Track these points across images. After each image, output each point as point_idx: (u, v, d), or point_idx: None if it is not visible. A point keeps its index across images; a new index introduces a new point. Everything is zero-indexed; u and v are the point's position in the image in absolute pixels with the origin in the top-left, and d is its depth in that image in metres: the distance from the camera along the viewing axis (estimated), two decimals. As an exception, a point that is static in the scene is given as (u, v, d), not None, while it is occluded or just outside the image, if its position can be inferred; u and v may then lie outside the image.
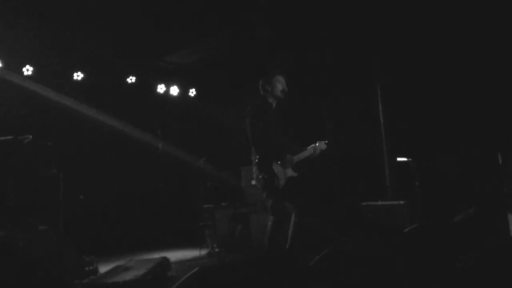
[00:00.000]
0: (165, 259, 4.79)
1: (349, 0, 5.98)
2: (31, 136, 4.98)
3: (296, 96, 4.48)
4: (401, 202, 5.56)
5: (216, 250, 6.29)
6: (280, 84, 4.30)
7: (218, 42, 7.38)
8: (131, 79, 7.92)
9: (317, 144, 4.39)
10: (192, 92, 8.86)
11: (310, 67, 7.38)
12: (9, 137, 4.87)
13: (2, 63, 6.55)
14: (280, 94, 4.30)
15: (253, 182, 4.24)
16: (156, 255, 5.53)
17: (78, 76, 7.31)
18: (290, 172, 4.12)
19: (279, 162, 4.07)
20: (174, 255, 6.07)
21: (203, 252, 6.30)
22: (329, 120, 7.36)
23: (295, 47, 7.22)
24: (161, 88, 8.40)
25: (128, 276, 3.99)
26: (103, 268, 4.77)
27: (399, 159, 6.33)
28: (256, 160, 4.10)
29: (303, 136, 4.71)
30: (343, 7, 6.13)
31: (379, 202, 5.85)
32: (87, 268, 4.56)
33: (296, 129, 4.69)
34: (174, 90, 8.56)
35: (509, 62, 5.67)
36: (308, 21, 6.54)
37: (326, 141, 4.45)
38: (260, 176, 4.06)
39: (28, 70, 6.79)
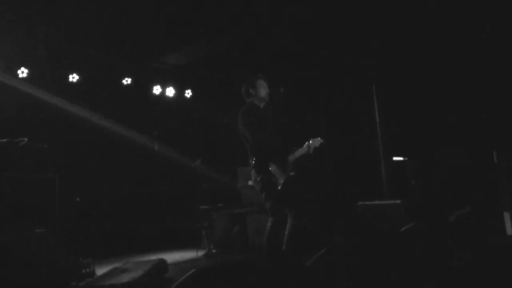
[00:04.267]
0: (162, 261, 4.78)
1: (345, 0, 6.00)
2: (26, 139, 4.96)
3: (290, 97, 4.49)
4: (397, 201, 5.58)
5: (213, 251, 6.29)
6: (263, 88, 4.36)
7: (214, 43, 7.38)
8: (127, 81, 7.90)
9: (310, 141, 4.40)
10: (188, 93, 8.85)
11: (306, 68, 7.39)
12: (5, 140, 4.86)
13: (-3, 65, 6.53)
14: (265, 97, 4.35)
15: (250, 183, 4.25)
16: (153, 257, 5.51)
17: (73, 78, 7.28)
18: (289, 172, 4.13)
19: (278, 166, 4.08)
20: (171, 257, 6.06)
21: (200, 253, 6.30)
22: (325, 120, 7.37)
23: (292, 48, 7.24)
24: (156, 89, 8.39)
25: (125, 278, 3.99)
26: (100, 270, 4.76)
27: (395, 158, 6.35)
28: (253, 162, 4.11)
29: (295, 136, 4.71)
30: (338, 8, 6.15)
31: (376, 202, 5.87)
32: (84, 271, 4.55)
33: (287, 129, 4.70)
34: (170, 91, 8.54)
35: (505, 61, 5.70)
36: (306, 23, 6.55)
37: (319, 138, 4.46)
38: (259, 178, 4.07)
39: (23, 72, 6.75)
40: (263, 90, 4.34)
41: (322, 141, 4.47)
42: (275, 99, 4.41)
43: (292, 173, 4.16)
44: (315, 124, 7.31)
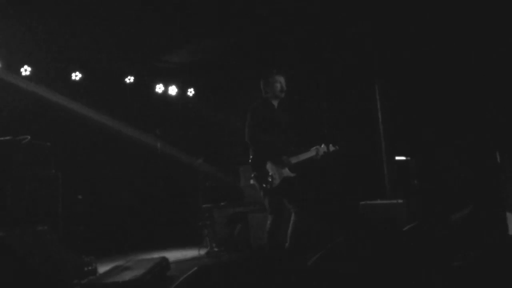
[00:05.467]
0: (164, 259, 4.80)
1: (348, 0, 5.99)
2: (29, 137, 4.97)
3: (296, 95, 4.48)
4: (400, 201, 5.57)
5: (215, 249, 6.29)
6: (278, 83, 4.30)
7: (217, 42, 7.38)
8: (130, 79, 7.91)
9: (321, 146, 4.38)
10: (191, 92, 8.85)
11: (309, 67, 7.39)
12: (8, 137, 4.87)
13: (0, 63, 6.54)
14: (279, 94, 4.31)
15: (252, 182, 4.25)
16: (155, 255, 5.54)
17: (76, 76, 7.30)
18: (286, 172, 4.10)
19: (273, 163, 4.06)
20: (173, 255, 6.07)
21: (202, 251, 6.30)
22: (328, 119, 7.36)
23: (295, 47, 7.23)
24: (159, 88, 8.39)
25: (127, 276, 3.99)
26: (102, 268, 4.77)
27: (397, 157, 6.34)
28: (250, 160, 4.12)
29: (307, 136, 4.70)
30: (341, 7, 6.14)
31: (378, 201, 5.86)
32: (86, 268, 4.56)
33: (299, 128, 4.68)
34: (173, 90, 8.55)
35: (508, 60, 5.68)
36: (307, 22, 6.54)
37: (331, 145, 4.44)
38: (253, 175, 4.08)
39: (26, 70, 6.77)
40: (277, 85, 4.30)
41: (334, 148, 4.44)
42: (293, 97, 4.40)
43: (292, 175, 4.13)
44: (318, 124, 7.31)
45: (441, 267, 2.82)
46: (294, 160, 4.20)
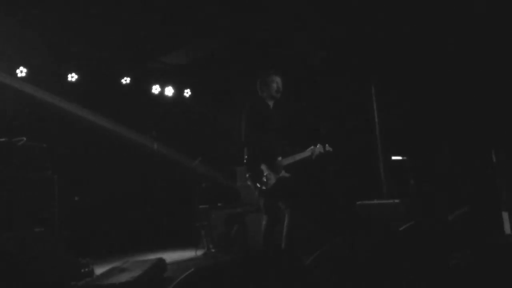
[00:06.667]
0: (161, 260, 4.79)
1: (345, 1, 6.01)
2: (25, 138, 4.96)
3: (292, 96, 4.49)
4: (396, 200, 5.59)
5: (212, 250, 6.29)
6: (275, 84, 4.31)
7: (213, 43, 7.38)
8: (126, 80, 7.90)
9: (317, 146, 4.39)
10: (187, 93, 8.85)
11: (305, 67, 7.39)
12: (3, 139, 4.85)
13: (-5, 65, 6.52)
14: (275, 94, 4.31)
15: (248, 182, 4.24)
16: (152, 256, 5.52)
17: (72, 77, 7.28)
18: (281, 172, 4.10)
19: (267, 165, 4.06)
20: (170, 256, 6.06)
21: (199, 252, 6.30)
22: (325, 120, 7.37)
23: (292, 48, 7.24)
24: (156, 89, 8.39)
25: (124, 277, 3.99)
26: (99, 270, 4.76)
27: (394, 157, 6.35)
28: (245, 160, 4.11)
29: (302, 136, 4.70)
30: (338, 8, 6.15)
31: (375, 201, 5.87)
32: (82, 270, 4.56)
33: (294, 129, 4.68)
34: (169, 91, 8.54)
35: (504, 60, 5.71)
36: (305, 22, 6.56)
37: (326, 146, 4.45)
38: (247, 175, 4.07)
39: (21, 71, 6.75)
40: (274, 86, 4.30)
41: (329, 149, 4.45)
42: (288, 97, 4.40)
43: (287, 175, 4.13)
44: (314, 123, 7.31)
45: (438, 266, 2.83)
46: (289, 160, 4.19)
